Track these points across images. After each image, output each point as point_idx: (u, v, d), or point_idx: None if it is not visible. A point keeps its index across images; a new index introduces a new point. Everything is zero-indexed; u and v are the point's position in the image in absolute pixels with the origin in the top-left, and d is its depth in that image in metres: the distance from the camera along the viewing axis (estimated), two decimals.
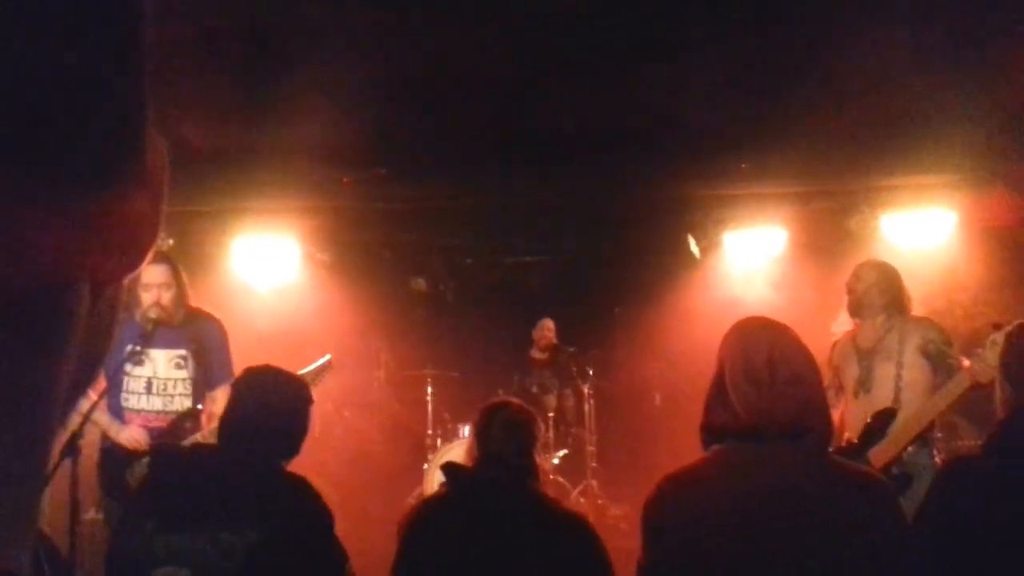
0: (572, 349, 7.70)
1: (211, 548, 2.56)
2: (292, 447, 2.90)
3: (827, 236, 7.26)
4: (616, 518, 7.06)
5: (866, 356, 4.37)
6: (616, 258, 8.38)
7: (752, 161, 6.25)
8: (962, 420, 5.77)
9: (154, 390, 4.41)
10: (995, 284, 6.88)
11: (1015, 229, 6.85)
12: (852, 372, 4.39)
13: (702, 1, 3.97)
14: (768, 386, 2.12)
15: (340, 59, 4.28)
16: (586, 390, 7.54)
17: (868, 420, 3.73)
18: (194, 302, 4.58)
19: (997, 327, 3.53)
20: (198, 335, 4.48)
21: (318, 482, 2.81)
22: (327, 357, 4.33)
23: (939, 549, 2.18)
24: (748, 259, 7.55)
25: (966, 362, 3.74)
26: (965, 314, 6.71)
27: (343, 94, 4.76)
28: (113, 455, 4.32)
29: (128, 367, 4.36)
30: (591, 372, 7.56)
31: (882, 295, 4.41)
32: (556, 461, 7.22)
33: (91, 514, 4.75)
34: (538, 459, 3.00)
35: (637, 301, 8.28)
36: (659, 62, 4.45)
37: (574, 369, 7.58)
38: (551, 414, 7.40)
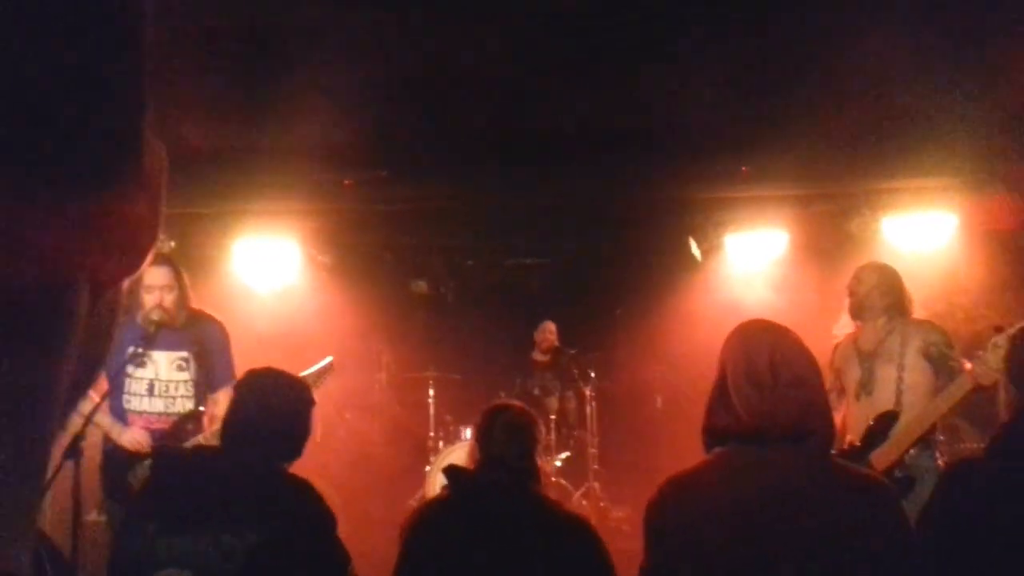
0: (573, 351, 7.69)
1: (213, 550, 2.55)
2: (294, 449, 2.90)
3: (828, 239, 7.26)
4: (618, 520, 7.06)
5: (867, 358, 4.36)
6: (617, 260, 8.38)
7: (753, 164, 6.25)
8: (964, 423, 5.76)
9: (156, 392, 4.42)
10: (996, 287, 6.88)
11: (1016, 232, 6.84)
12: (853, 374, 4.39)
13: (702, 1, 3.97)
14: (770, 389, 2.12)
15: (340, 60, 4.28)
16: (588, 392, 7.53)
17: (870, 423, 3.73)
18: (195, 304, 4.58)
19: (998, 330, 3.53)
20: (200, 337, 4.48)
21: (320, 484, 2.81)
22: (328, 359, 4.33)
23: (942, 552, 2.18)
24: (749, 261, 7.55)
25: (968, 365, 3.74)
26: (966, 317, 6.70)
27: (343, 95, 4.77)
28: (115, 457, 4.32)
29: (130, 369, 4.36)
30: (592, 374, 7.56)
31: (883, 297, 4.41)
32: (558, 463, 7.22)
33: (93, 516, 4.74)
34: (539, 461, 3.00)
35: (638, 303, 8.27)
36: (659, 62, 4.45)
37: (575, 371, 7.57)
38: (553, 416, 7.39)
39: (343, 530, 2.78)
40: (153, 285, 4.34)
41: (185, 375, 4.44)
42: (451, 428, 7.37)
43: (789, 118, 5.24)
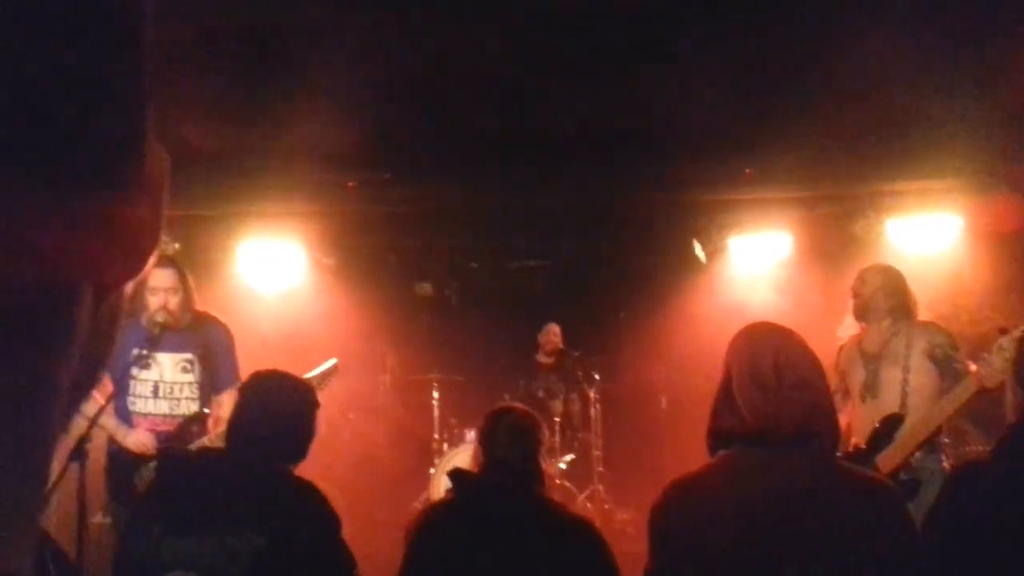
0: (577, 353, 7.69)
1: (218, 552, 2.56)
2: (299, 451, 2.90)
3: (832, 241, 7.25)
4: (623, 522, 7.05)
5: (872, 360, 4.36)
6: (621, 262, 8.37)
7: (756, 166, 6.25)
8: (969, 425, 5.75)
9: (161, 394, 4.42)
10: (1001, 289, 6.87)
11: (1021, 233, 6.84)
12: (858, 376, 4.38)
13: (703, 1, 3.96)
14: (775, 391, 2.12)
15: (343, 61, 4.28)
16: (592, 394, 7.53)
17: (875, 425, 3.72)
18: (200, 306, 4.59)
19: (1003, 332, 3.52)
20: (204, 339, 4.49)
21: (325, 487, 2.81)
22: (333, 361, 4.33)
23: (949, 554, 2.17)
24: (753, 264, 7.55)
25: (973, 367, 3.73)
26: (971, 319, 6.70)
27: (346, 97, 4.77)
28: (120, 459, 4.32)
29: (135, 371, 4.37)
30: (597, 376, 7.55)
31: (888, 299, 4.40)
32: (563, 466, 7.22)
33: (98, 518, 4.75)
34: (544, 464, 3.00)
35: (642, 305, 8.27)
36: (660, 62, 4.45)
37: (580, 373, 7.57)
38: (557, 419, 7.39)
39: (347, 532, 2.78)
40: (158, 287, 4.35)
41: (190, 377, 4.45)
42: (455, 430, 7.37)
43: (793, 120, 5.23)
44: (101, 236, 0.88)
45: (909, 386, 4.18)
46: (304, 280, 7.67)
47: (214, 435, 4.21)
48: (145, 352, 4.32)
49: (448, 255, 8.37)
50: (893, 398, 4.18)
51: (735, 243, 7.48)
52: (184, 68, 4.09)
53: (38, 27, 0.84)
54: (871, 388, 4.31)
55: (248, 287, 7.46)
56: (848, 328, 4.72)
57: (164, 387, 4.43)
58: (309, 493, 2.74)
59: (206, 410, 4.41)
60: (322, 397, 3.19)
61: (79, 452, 3.59)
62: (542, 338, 7.94)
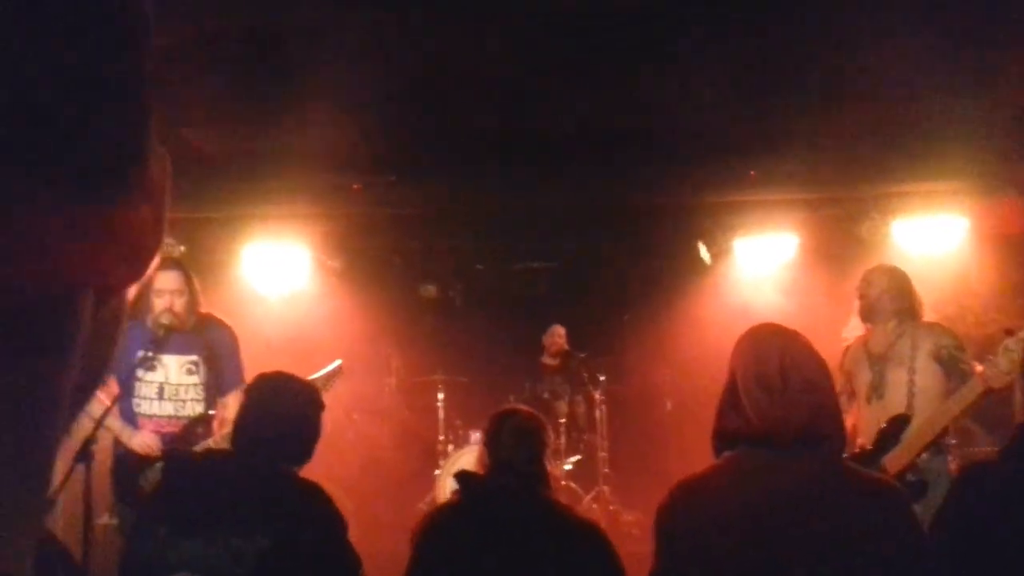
0: (582, 355, 7.68)
1: (223, 554, 2.56)
2: (304, 452, 2.90)
3: (838, 243, 7.24)
4: (628, 524, 7.04)
5: (878, 362, 4.35)
6: (626, 263, 8.37)
7: (761, 168, 6.24)
8: (976, 426, 5.74)
9: (166, 395, 4.43)
10: (1007, 290, 6.85)
11: None
12: (864, 378, 4.38)
13: (707, 1, 3.95)
14: (780, 392, 2.12)
15: (347, 63, 4.28)
16: (597, 396, 7.53)
17: (882, 426, 3.71)
18: (205, 308, 4.59)
19: (1009, 333, 3.51)
20: (209, 341, 4.50)
21: (331, 488, 2.81)
22: (337, 363, 4.33)
23: (956, 555, 2.17)
24: (758, 265, 7.54)
25: (979, 368, 3.72)
26: (977, 320, 6.68)
27: (351, 99, 4.77)
28: (126, 461, 4.33)
29: (140, 372, 4.38)
30: (602, 378, 7.55)
31: (894, 300, 4.40)
32: (569, 467, 7.21)
33: (104, 519, 4.76)
34: (549, 466, 3.00)
35: (647, 307, 8.27)
36: (663, 62, 4.44)
37: (585, 375, 7.56)
38: (562, 420, 7.39)
39: (352, 533, 2.78)
40: (163, 289, 4.35)
41: (195, 379, 4.46)
42: (460, 432, 7.37)
43: (797, 121, 5.23)
44: (103, 239, 0.88)
45: (915, 387, 4.17)
46: (308, 282, 7.68)
47: (219, 437, 4.21)
48: (150, 354, 4.32)
49: (452, 257, 8.37)
50: (899, 399, 4.17)
51: (740, 245, 7.48)
52: (188, 71, 4.09)
53: (38, 27, 0.83)
54: (877, 389, 4.30)
55: (253, 289, 7.47)
56: (854, 329, 4.71)
57: (169, 389, 4.43)
58: (314, 494, 2.74)
59: (211, 412, 4.41)
60: (327, 399, 3.19)
61: (85, 454, 3.59)
62: (547, 340, 7.94)
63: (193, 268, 4.69)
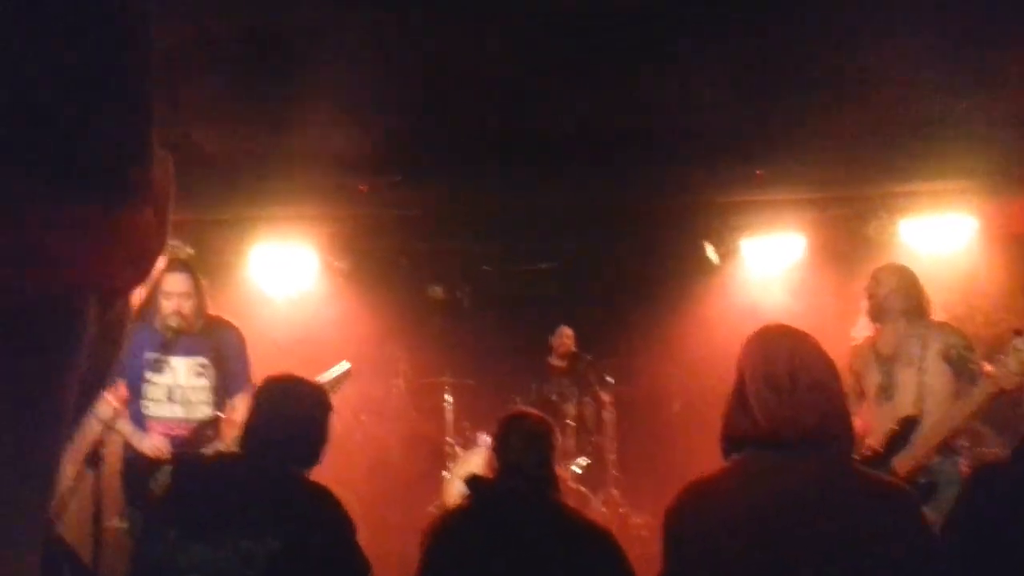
0: (590, 357, 7.67)
1: (232, 556, 2.56)
2: (313, 455, 2.90)
3: (845, 242, 7.22)
4: (638, 526, 7.03)
5: (887, 362, 4.33)
6: (634, 264, 8.35)
7: (768, 167, 6.23)
8: (985, 427, 5.72)
9: (175, 398, 4.44)
10: (1016, 290, 6.83)
11: None
12: (873, 378, 4.36)
13: (710, 1, 3.94)
14: (789, 393, 2.11)
15: (352, 64, 4.29)
16: (605, 398, 7.51)
17: (892, 428, 3.70)
18: (213, 310, 4.60)
19: (1018, 333, 3.50)
20: (218, 343, 4.51)
21: (340, 491, 2.82)
22: (345, 364, 4.33)
23: (968, 557, 2.16)
24: (766, 265, 7.53)
25: (988, 368, 3.71)
26: (986, 320, 6.66)
27: (357, 100, 4.78)
28: (136, 464, 4.34)
29: (149, 375, 4.39)
30: (610, 379, 7.54)
31: (903, 300, 4.38)
32: (577, 469, 7.20)
33: (115, 522, 4.77)
34: (558, 469, 3.00)
35: (655, 308, 8.25)
36: (673, 63, 4.43)
37: (593, 377, 7.55)
38: (571, 422, 7.37)
39: (360, 536, 2.79)
40: (172, 292, 4.36)
41: (204, 381, 4.46)
42: (468, 434, 7.36)
43: (803, 121, 5.21)
44: (107, 240, 0.88)
45: (925, 388, 4.16)
46: (316, 284, 7.69)
47: (228, 439, 4.22)
48: (159, 356, 4.34)
49: (460, 258, 8.37)
50: (909, 400, 4.16)
51: (747, 245, 7.46)
52: (193, 72, 4.10)
53: (38, 27, 0.83)
54: (887, 390, 4.29)
55: (260, 291, 7.49)
56: (862, 329, 4.69)
57: (178, 391, 4.44)
58: (323, 497, 2.74)
59: (220, 414, 4.42)
60: (335, 401, 3.19)
61: (95, 457, 3.61)
62: (554, 341, 7.93)
63: (201, 270, 4.70)
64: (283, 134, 5.28)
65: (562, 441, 5.62)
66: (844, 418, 2.18)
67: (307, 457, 2.89)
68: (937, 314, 4.47)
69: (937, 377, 4.16)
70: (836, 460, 2.13)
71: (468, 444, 7.22)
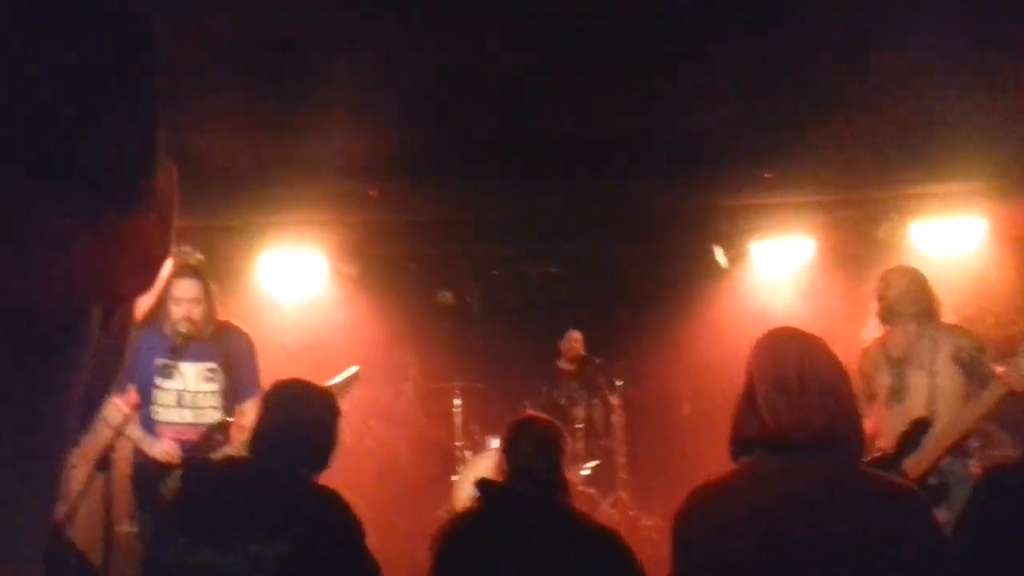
0: (599, 360, 7.67)
1: (242, 561, 2.57)
2: (322, 459, 2.91)
3: (855, 245, 7.20)
4: (647, 529, 7.01)
5: (897, 364, 4.32)
6: (643, 268, 8.35)
7: (777, 170, 6.22)
8: (996, 429, 5.69)
9: (185, 403, 4.45)
10: None
11: None
12: (884, 381, 4.35)
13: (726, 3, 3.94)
14: (798, 396, 2.11)
15: (364, 71, 4.30)
16: (614, 401, 7.50)
17: (903, 430, 3.69)
18: (222, 316, 4.61)
19: None
20: (227, 349, 4.52)
21: (349, 495, 2.82)
22: (354, 368, 4.33)
23: (979, 559, 2.15)
24: (776, 269, 7.52)
25: (999, 370, 3.69)
26: (996, 322, 6.63)
27: (365, 106, 4.79)
28: (146, 469, 4.35)
29: (158, 380, 4.40)
30: (619, 383, 7.53)
31: (913, 302, 4.37)
32: (586, 472, 7.19)
33: (125, 527, 4.78)
34: (567, 472, 3.00)
35: (664, 311, 8.24)
36: (689, 63, 4.43)
37: (602, 380, 7.54)
38: (580, 425, 7.36)
39: (370, 540, 2.79)
40: (182, 297, 4.37)
41: (213, 386, 4.48)
42: (477, 438, 7.35)
43: (813, 123, 5.20)
44: (111, 245, 0.87)
45: (936, 390, 4.14)
46: (325, 289, 7.70)
47: (238, 443, 4.23)
48: (169, 362, 4.35)
49: (469, 263, 8.37)
50: (920, 402, 4.14)
51: (757, 248, 7.45)
52: (203, 79, 4.12)
53: (38, 27, 0.84)
54: (898, 393, 4.28)
55: (270, 296, 7.50)
56: (872, 331, 4.68)
57: (188, 396, 4.45)
58: (332, 501, 2.75)
59: (229, 419, 4.43)
60: (344, 405, 3.20)
61: (105, 462, 3.62)
62: (564, 345, 7.93)
63: (210, 276, 4.71)
64: (293, 141, 5.29)
65: (571, 445, 5.62)
66: (854, 421, 2.17)
67: (316, 461, 2.89)
68: (947, 316, 4.46)
69: (948, 379, 4.15)
70: (845, 462, 2.12)
71: (477, 448, 7.21)
